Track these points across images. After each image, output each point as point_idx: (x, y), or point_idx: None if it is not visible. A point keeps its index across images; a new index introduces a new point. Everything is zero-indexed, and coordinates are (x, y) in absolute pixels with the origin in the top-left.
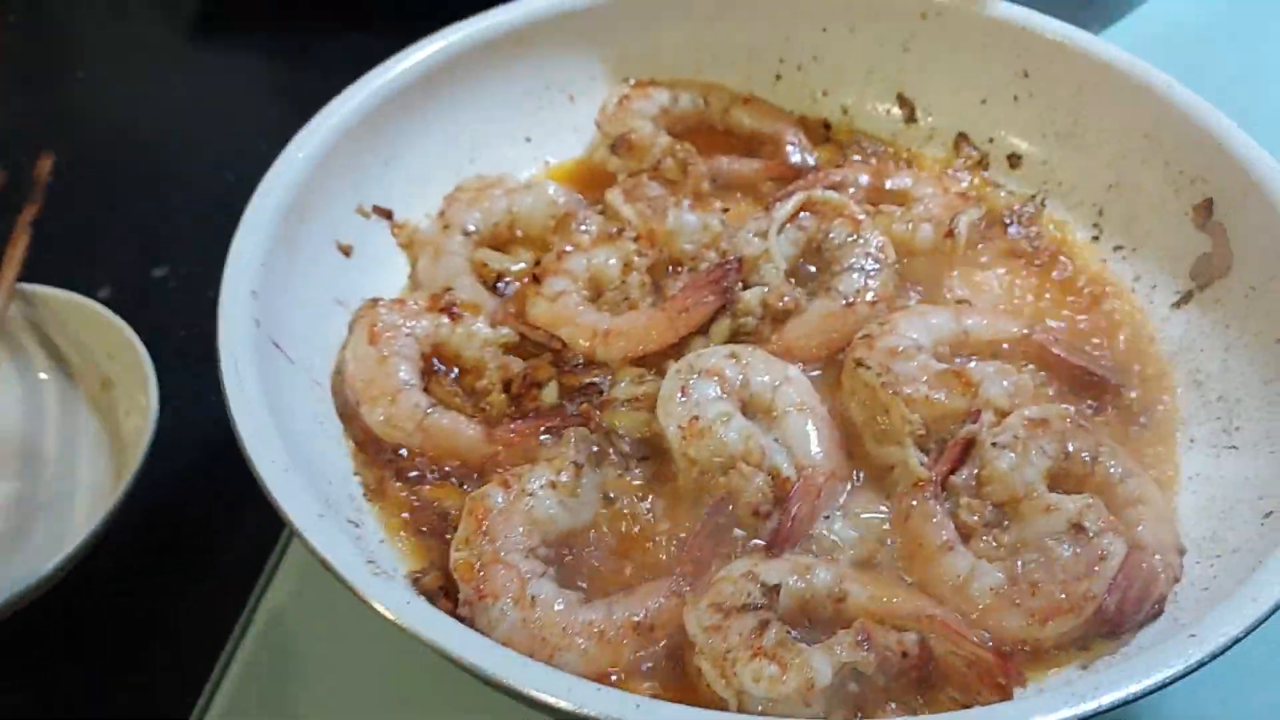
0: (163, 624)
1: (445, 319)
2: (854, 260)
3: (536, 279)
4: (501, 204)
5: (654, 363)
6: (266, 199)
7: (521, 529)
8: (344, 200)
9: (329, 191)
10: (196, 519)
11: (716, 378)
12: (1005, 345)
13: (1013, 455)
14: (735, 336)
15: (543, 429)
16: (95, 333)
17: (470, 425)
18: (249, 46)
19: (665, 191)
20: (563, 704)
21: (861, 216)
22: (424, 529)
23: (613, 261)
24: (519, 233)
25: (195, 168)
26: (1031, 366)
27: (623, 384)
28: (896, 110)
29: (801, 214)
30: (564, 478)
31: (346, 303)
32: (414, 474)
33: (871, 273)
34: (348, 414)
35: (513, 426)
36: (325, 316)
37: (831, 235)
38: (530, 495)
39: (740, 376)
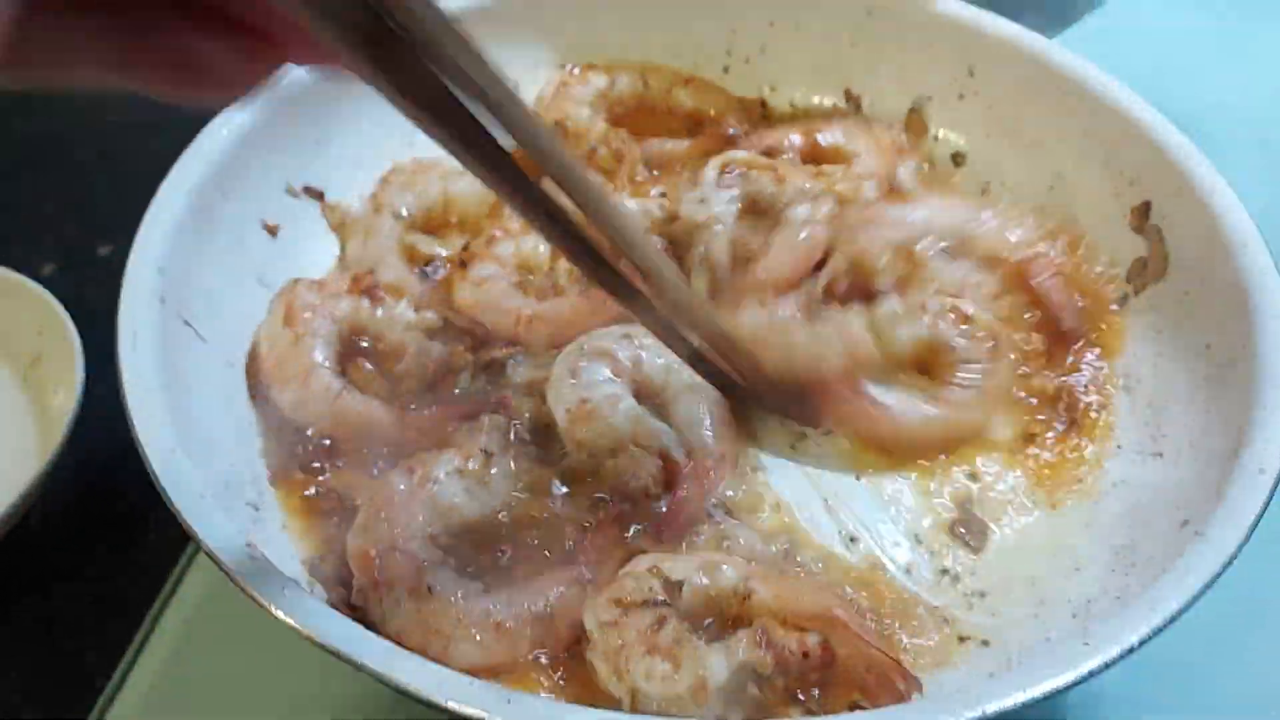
0: (83, 599)
1: (366, 301)
2: (792, 199)
3: (464, 264)
4: (436, 187)
5: None
6: (183, 174)
7: (423, 516)
8: (273, 179)
9: (256, 169)
10: (121, 497)
11: (608, 359)
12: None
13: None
14: (711, 293)
15: (458, 415)
16: (25, 308)
17: (384, 410)
18: None
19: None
20: (433, 696)
21: (787, 174)
22: (326, 514)
23: (542, 248)
24: (453, 219)
25: (147, 144)
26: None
27: (521, 368)
28: (843, 105)
29: (729, 174)
30: (472, 465)
31: (270, 283)
32: (316, 464)
33: (819, 200)
34: (259, 396)
35: (427, 412)
36: (246, 296)
37: (766, 190)
38: (435, 482)
39: (632, 357)
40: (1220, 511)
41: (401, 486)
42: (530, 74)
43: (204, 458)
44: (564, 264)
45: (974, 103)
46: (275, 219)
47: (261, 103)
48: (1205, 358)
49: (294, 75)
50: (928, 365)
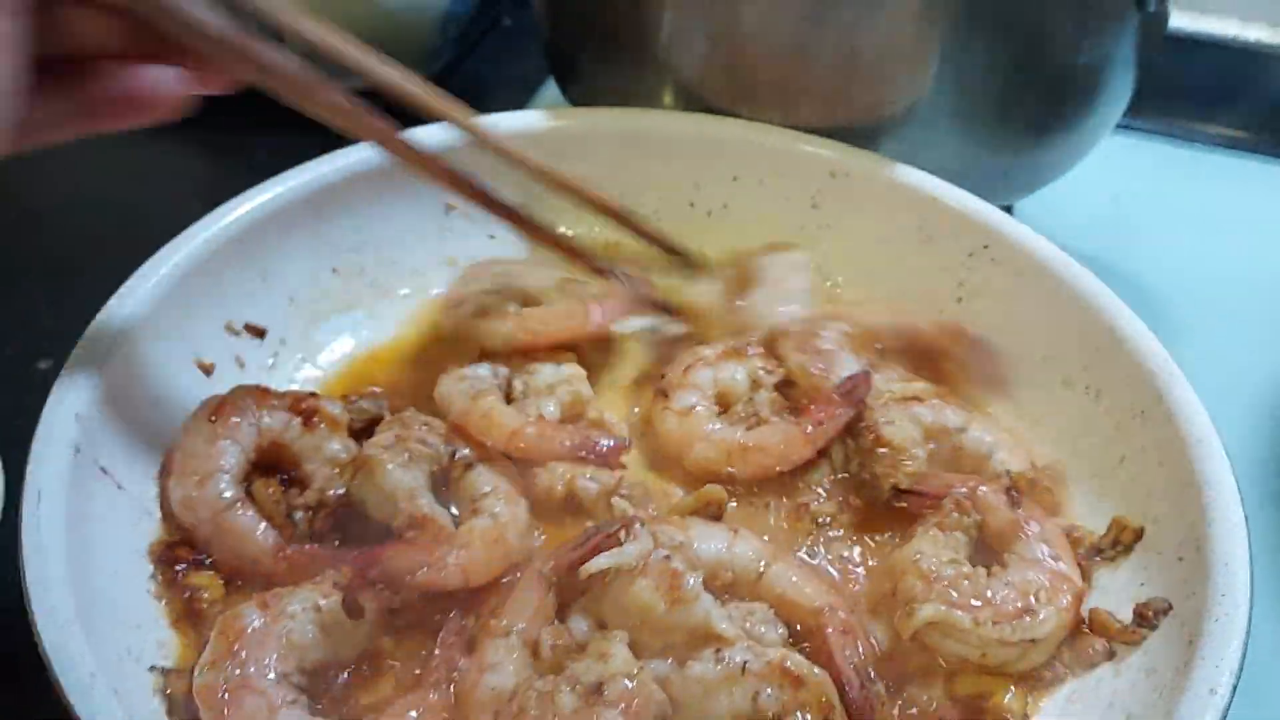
0: None
1: (297, 421)
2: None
3: (664, 394)
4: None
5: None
6: (113, 316)
7: (277, 654)
8: (210, 316)
9: (192, 306)
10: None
11: None
12: None
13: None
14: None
15: (334, 560)
16: None
17: (267, 534)
18: (184, 140)
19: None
20: None
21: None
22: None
23: (739, 376)
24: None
25: (100, 262)
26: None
27: None
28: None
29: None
30: (327, 603)
31: None
32: (182, 566)
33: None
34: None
35: (306, 548)
36: (168, 440)
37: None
38: (289, 618)
39: None
40: None
41: (255, 621)
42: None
43: (106, 623)
44: (765, 393)
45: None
46: (210, 357)
47: (203, 240)
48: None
49: (237, 212)
50: None
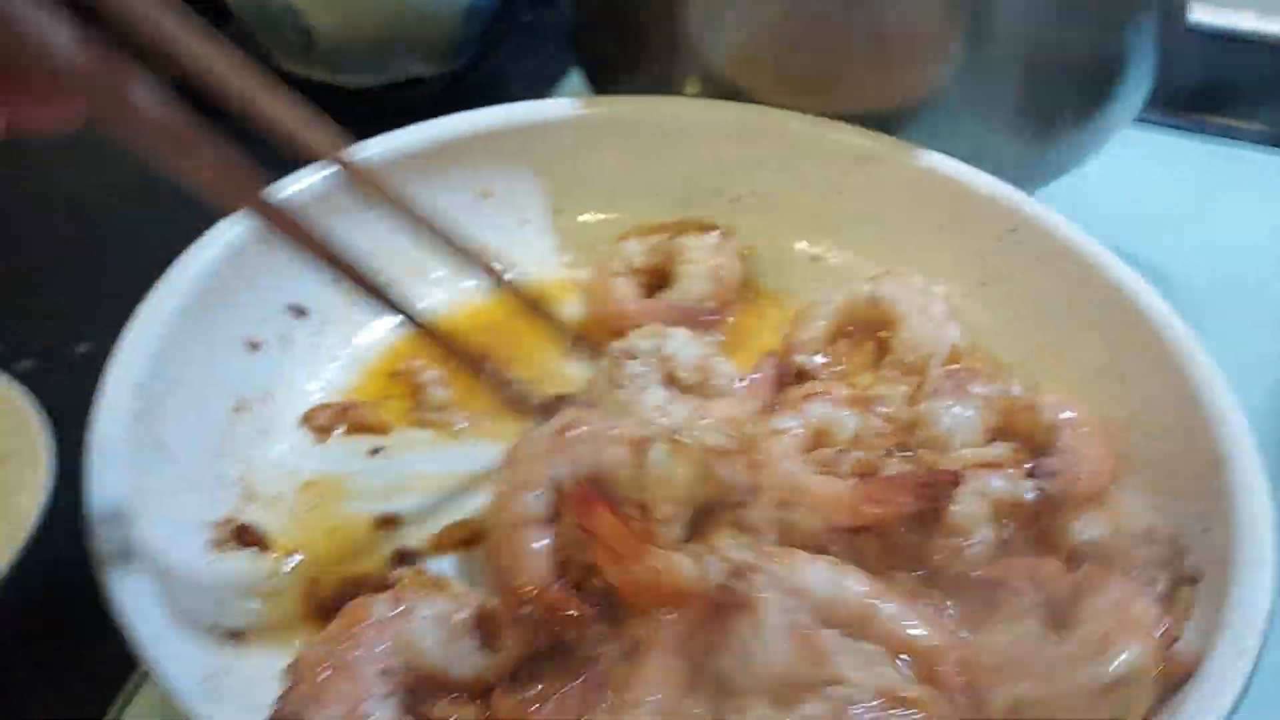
0: (34, 706)
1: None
2: None
3: None
4: None
5: None
6: (170, 290)
7: (389, 648)
8: (261, 295)
9: (244, 286)
10: (80, 605)
11: None
12: None
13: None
14: None
15: None
16: None
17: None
18: (225, 126)
19: None
20: None
21: None
22: None
23: (849, 425)
24: None
25: (136, 246)
26: None
27: None
28: (824, 249)
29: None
30: (459, 616)
31: (247, 402)
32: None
33: None
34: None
35: None
36: (221, 415)
37: None
38: (417, 619)
39: None
40: None
41: (382, 613)
42: (520, 203)
43: (163, 582)
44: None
45: (953, 250)
46: (259, 335)
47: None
48: None
49: (284, 195)
50: None
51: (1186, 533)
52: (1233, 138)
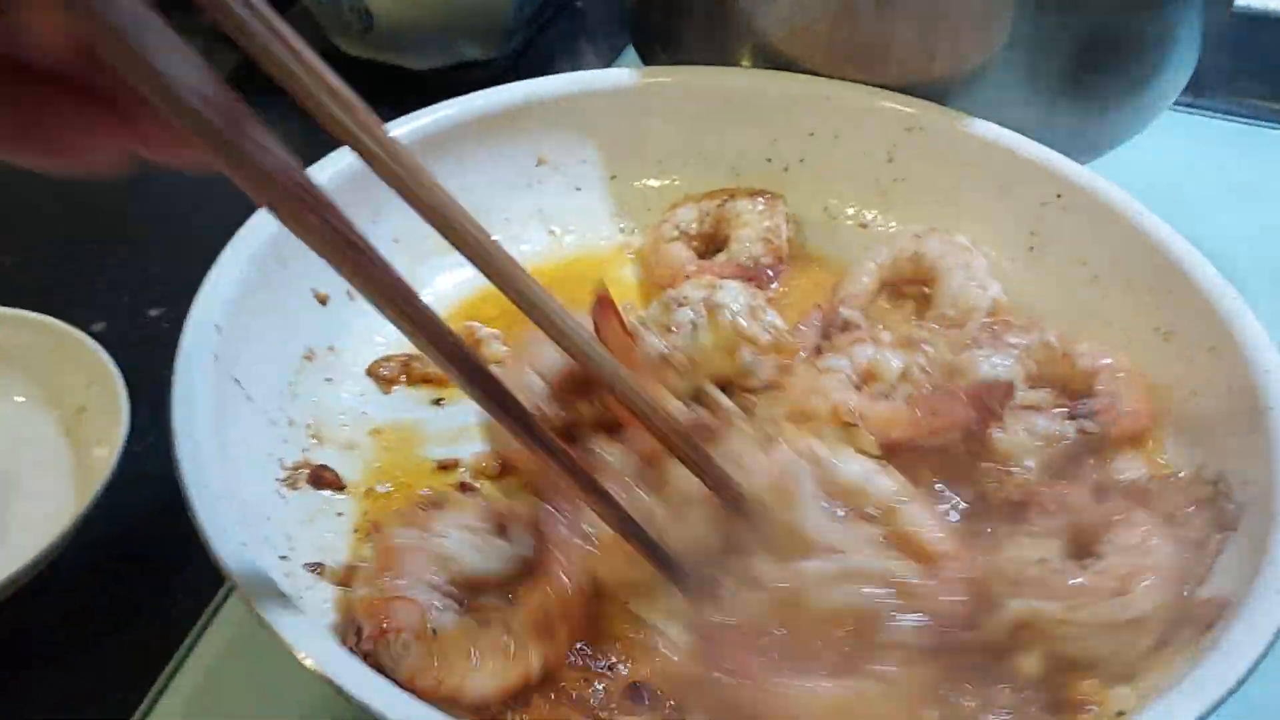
0: (105, 650)
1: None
2: None
3: (819, 351)
4: None
5: None
6: (246, 240)
7: (427, 566)
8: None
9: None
10: (151, 553)
11: None
12: None
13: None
14: None
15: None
16: (78, 361)
17: None
18: (279, 102)
19: None
20: None
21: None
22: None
23: (895, 363)
24: None
25: (205, 213)
26: None
27: None
28: (873, 216)
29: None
30: (481, 522)
31: (314, 350)
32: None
33: None
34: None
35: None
36: (290, 361)
37: None
38: (440, 535)
39: None
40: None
41: (408, 538)
42: (576, 169)
43: (243, 511)
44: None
45: (1002, 218)
46: (325, 288)
47: (325, 179)
48: None
49: (349, 158)
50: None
51: (1231, 481)
52: (1275, 120)
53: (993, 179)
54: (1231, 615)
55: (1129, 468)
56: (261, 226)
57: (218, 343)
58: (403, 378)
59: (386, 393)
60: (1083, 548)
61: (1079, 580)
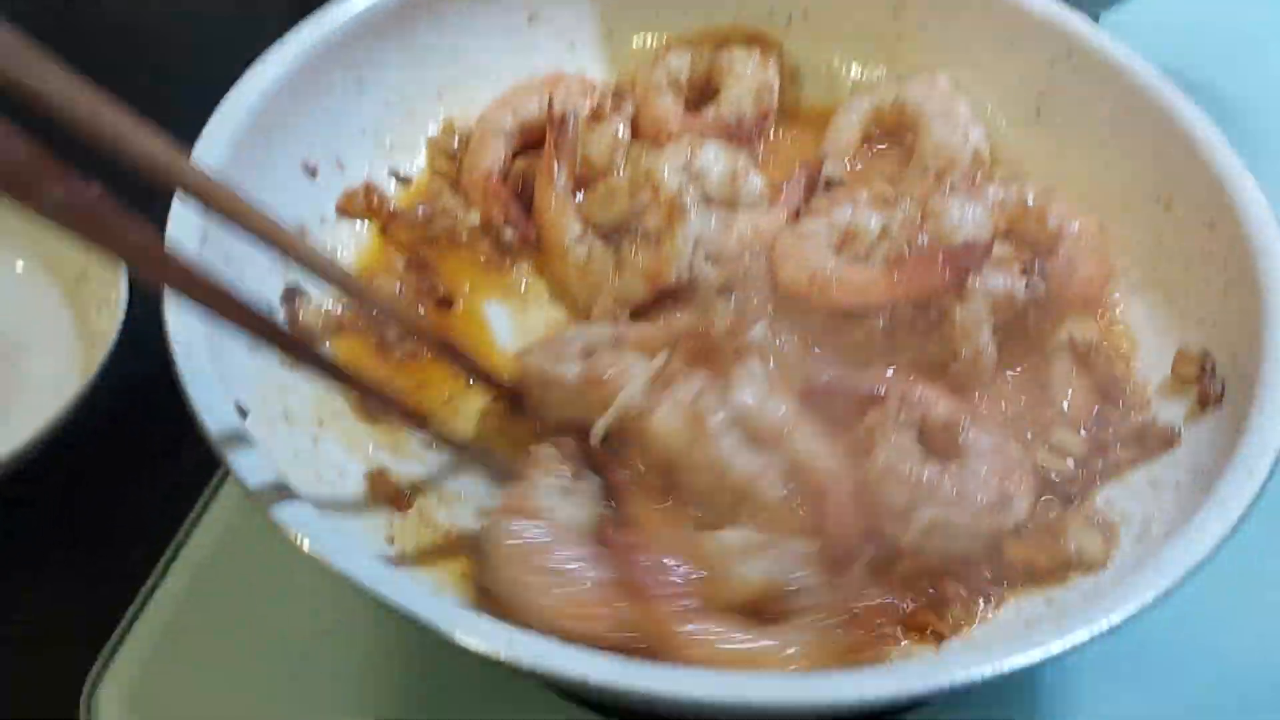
0: (108, 523)
1: None
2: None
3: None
4: None
5: None
6: (228, 114)
7: (556, 542)
8: (313, 119)
9: (295, 109)
10: (156, 419)
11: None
12: None
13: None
14: None
15: None
16: None
17: None
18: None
19: None
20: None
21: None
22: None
23: (874, 223)
24: None
25: (206, 74)
26: None
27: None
28: (876, 72)
29: None
30: (560, 480)
31: (306, 223)
32: None
33: None
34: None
35: None
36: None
37: None
38: (548, 511)
39: None
40: None
41: (528, 534)
42: (572, 25)
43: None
44: (886, 244)
45: (1006, 78)
46: (314, 159)
47: (300, 45)
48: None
49: (335, 19)
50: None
51: (1216, 356)
52: None
53: (1000, 36)
54: (1203, 493)
55: (1077, 328)
56: (250, 90)
57: (206, 221)
58: None
59: None
60: (939, 446)
61: (965, 485)
